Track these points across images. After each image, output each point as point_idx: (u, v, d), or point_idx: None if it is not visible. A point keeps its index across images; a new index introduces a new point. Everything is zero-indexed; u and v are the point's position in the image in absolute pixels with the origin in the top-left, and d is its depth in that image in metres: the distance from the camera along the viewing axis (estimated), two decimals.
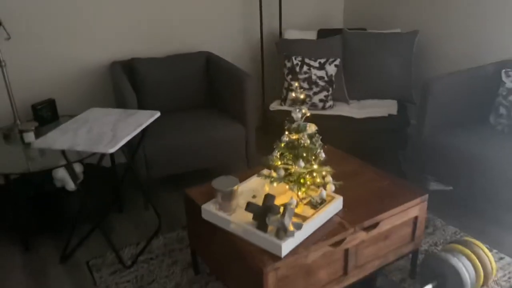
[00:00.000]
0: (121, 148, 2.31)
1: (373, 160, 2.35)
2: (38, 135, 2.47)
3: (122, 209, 2.68)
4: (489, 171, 2.26)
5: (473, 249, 1.97)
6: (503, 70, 2.49)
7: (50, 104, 2.74)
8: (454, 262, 1.89)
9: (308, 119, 1.66)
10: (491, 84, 2.57)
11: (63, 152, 2.01)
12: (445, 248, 2.00)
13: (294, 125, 1.62)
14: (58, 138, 1.99)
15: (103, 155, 2.46)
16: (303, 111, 1.63)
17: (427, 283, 1.93)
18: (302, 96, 1.64)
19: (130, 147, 2.54)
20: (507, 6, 2.70)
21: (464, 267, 1.90)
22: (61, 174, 2.59)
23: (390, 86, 3.05)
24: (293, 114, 1.64)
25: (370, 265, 1.84)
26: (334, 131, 2.83)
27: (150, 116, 2.24)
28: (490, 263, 1.97)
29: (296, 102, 1.63)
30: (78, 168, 2.65)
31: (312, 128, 1.63)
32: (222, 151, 2.72)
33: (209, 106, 3.06)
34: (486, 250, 1.98)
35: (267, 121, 3.37)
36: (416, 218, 1.91)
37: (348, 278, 1.78)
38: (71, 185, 2.60)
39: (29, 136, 2.47)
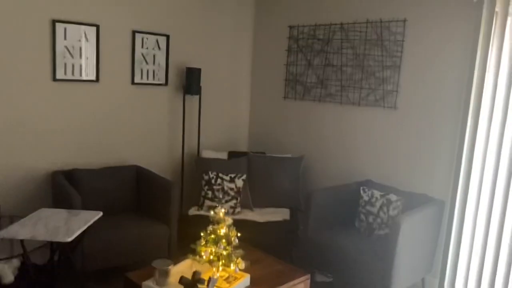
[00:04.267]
0: (58, 247, 2.74)
1: (272, 255, 3.03)
2: None
3: None
4: (354, 262, 3.05)
5: None
6: (361, 187, 3.47)
7: None
8: None
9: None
10: (355, 197, 3.51)
11: (21, 242, 2.42)
12: None
13: (216, 217, 2.29)
14: (20, 230, 2.41)
15: (52, 255, 2.83)
16: (222, 210, 2.32)
17: None
18: (221, 214, 2.31)
19: (68, 244, 2.94)
20: (366, 142, 3.81)
21: None
22: (0, 268, 2.87)
23: (284, 197, 3.89)
24: (216, 210, 2.31)
25: None
26: (241, 233, 3.51)
27: (94, 215, 2.75)
28: None
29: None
30: (15, 263, 2.96)
31: (229, 220, 2.31)
32: (148, 248, 3.22)
33: (138, 210, 3.60)
34: None
35: (184, 227, 3.94)
36: None
37: None
38: (9, 279, 2.87)
39: None
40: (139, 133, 3.94)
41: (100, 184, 3.46)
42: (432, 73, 3.34)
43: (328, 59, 4.00)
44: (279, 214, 3.74)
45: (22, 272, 3.01)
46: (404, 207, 3.21)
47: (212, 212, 2.31)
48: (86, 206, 3.33)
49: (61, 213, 2.75)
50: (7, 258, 2.73)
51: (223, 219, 2.28)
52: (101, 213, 2.79)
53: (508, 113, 2.94)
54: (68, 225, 2.53)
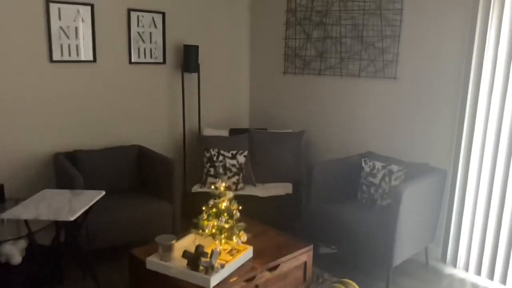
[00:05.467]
0: (63, 227, 2.76)
1: (275, 229, 3.05)
2: None
3: (62, 280, 3.02)
4: (357, 233, 3.07)
5: (348, 286, 2.69)
6: (363, 159, 3.46)
7: None
8: None
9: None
10: (356, 169, 3.51)
11: (26, 222, 2.45)
12: (330, 287, 2.70)
13: (217, 192, 2.30)
14: (23, 211, 2.44)
15: (57, 235, 2.86)
16: (223, 184, 2.33)
17: None
18: (222, 188, 2.32)
19: (73, 223, 2.97)
20: (366, 114, 3.79)
21: None
22: (7, 249, 2.91)
23: (286, 172, 3.90)
24: (217, 184, 2.32)
25: None
26: (244, 208, 3.54)
27: (97, 194, 2.77)
28: None
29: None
30: (22, 244, 3.00)
31: (230, 194, 2.32)
32: (152, 225, 3.25)
33: (141, 190, 3.63)
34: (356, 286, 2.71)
35: (187, 204, 3.97)
36: (305, 263, 2.61)
37: None
38: (17, 259, 2.91)
39: None
40: (139, 113, 3.94)
41: (102, 164, 3.48)
42: (432, 42, 3.29)
43: (327, 31, 3.95)
44: (282, 189, 3.76)
45: (29, 253, 3.05)
46: (406, 177, 3.21)
47: (213, 187, 2.32)
48: (89, 187, 3.36)
49: (64, 193, 2.77)
50: (14, 239, 2.76)
51: (224, 193, 2.29)
52: (103, 192, 2.81)
53: (509, 81, 2.90)
54: (71, 204, 2.55)
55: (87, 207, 2.56)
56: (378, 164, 3.34)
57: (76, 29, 3.45)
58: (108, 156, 3.55)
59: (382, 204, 3.26)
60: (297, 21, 4.17)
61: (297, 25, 4.18)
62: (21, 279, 2.83)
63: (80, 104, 3.58)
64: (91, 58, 3.56)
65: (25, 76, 3.28)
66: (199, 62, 4.07)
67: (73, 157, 3.41)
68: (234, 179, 3.71)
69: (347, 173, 3.52)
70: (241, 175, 3.74)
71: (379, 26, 3.58)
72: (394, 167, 3.26)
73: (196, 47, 3.98)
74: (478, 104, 3.03)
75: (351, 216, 3.15)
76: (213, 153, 3.75)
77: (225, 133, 4.17)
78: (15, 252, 2.93)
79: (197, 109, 4.25)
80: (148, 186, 3.61)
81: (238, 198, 3.61)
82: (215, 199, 2.33)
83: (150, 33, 3.89)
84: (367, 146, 3.78)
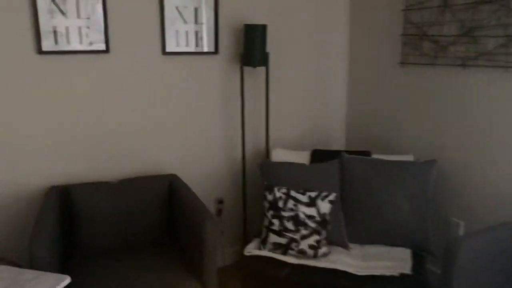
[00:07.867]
0: None
1: None
2: None
3: None
4: None
5: None
6: None
7: None
8: None
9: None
10: None
11: None
12: None
13: None
14: None
15: None
16: None
17: None
18: None
19: None
20: None
21: None
22: None
23: (402, 229, 2.35)
24: None
25: None
26: None
27: (52, 285, 1.57)
28: None
29: None
30: None
31: None
32: None
33: (167, 243, 2.39)
34: None
35: (245, 272, 2.65)
36: None
37: None
38: None
39: None
40: (176, 128, 2.70)
41: (111, 205, 2.33)
42: None
43: None
44: (394, 262, 2.22)
45: None
46: None
47: None
48: (83, 240, 2.22)
49: (7, 277, 1.62)
50: None
51: None
52: (68, 279, 1.61)
53: None
54: None
55: None
56: None
57: (78, 3, 2.30)
58: (123, 192, 2.38)
59: None
60: None
61: None
62: None
63: (88, 115, 2.44)
64: (102, 47, 2.40)
65: (7, 71, 2.21)
66: (268, 50, 2.68)
67: (67, 194, 2.29)
68: (312, 239, 2.27)
69: None
70: (323, 233, 2.29)
71: None
72: None
73: (263, 27, 2.61)
74: None
75: None
76: (278, 194, 2.36)
77: (304, 157, 2.74)
78: None
79: (265, 120, 2.88)
80: (177, 240, 2.37)
81: (317, 274, 2.18)
82: None
83: (195, 9, 2.62)
84: None
